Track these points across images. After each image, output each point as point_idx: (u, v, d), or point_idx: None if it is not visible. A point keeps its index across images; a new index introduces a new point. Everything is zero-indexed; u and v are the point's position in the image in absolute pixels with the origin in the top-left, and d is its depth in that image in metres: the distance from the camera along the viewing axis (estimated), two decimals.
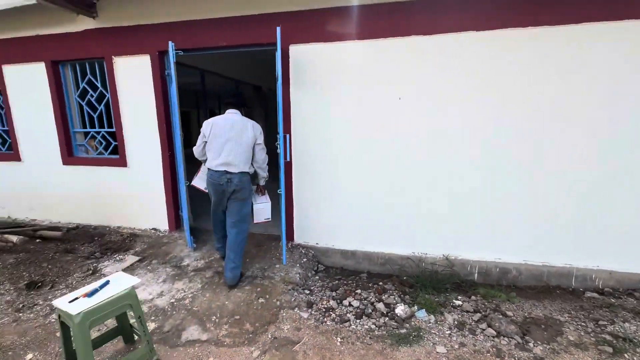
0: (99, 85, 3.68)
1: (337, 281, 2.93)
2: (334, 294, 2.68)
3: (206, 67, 5.18)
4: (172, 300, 2.52)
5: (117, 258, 3.20)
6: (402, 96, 2.84)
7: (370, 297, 2.61)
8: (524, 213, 2.81)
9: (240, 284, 2.69)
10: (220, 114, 2.85)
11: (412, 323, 2.32)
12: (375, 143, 2.98)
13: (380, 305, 2.47)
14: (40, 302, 2.55)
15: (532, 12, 2.49)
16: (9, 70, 3.86)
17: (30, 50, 3.70)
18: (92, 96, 3.74)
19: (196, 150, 2.72)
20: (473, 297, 2.66)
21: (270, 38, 2.89)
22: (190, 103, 8.79)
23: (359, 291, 2.70)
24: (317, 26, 2.88)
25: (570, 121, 2.59)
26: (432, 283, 2.79)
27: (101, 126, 3.84)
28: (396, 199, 3.03)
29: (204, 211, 4.25)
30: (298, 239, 3.37)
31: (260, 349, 2.05)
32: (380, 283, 2.85)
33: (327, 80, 2.96)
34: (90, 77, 3.68)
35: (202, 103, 8.00)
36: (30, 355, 2.02)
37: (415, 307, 2.47)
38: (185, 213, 3.35)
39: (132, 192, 3.79)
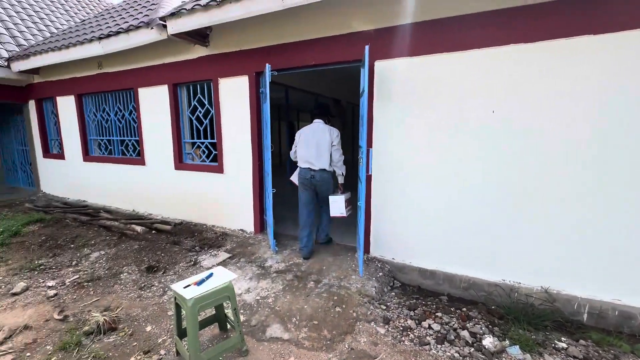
0: (206, 102, 4.30)
1: (414, 300, 2.81)
2: (411, 313, 2.59)
3: (290, 83, 5.60)
4: (258, 298, 2.75)
5: (212, 253, 3.64)
6: (495, 109, 2.65)
7: (453, 323, 2.44)
8: None
9: (318, 291, 2.80)
10: (298, 125, 3.23)
11: (503, 359, 2.10)
12: (455, 157, 2.81)
13: (464, 333, 2.30)
14: (156, 284, 3.06)
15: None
16: (142, 92, 4.79)
17: (157, 75, 4.55)
18: (200, 112, 4.38)
19: (291, 153, 3.52)
20: (582, 342, 2.27)
21: (357, 55, 3.01)
22: (272, 115, 9.58)
23: (439, 314, 2.55)
24: (401, 41, 2.88)
25: None
26: (527, 318, 2.47)
27: (205, 137, 4.47)
28: (480, 217, 2.79)
29: (286, 217, 4.56)
30: (374, 252, 3.35)
31: (337, 357, 2.09)
32: (464, 309, 2.64)
33: (410, 93, 2.92)
34: (200, 96, 4.33)
35: (284, 116, 8.66)
36: (149, 327, 2.44)
37: (507, 342, 2.22)
38: (270, 218, 3.65)
39: (225, 196, 4.30)
